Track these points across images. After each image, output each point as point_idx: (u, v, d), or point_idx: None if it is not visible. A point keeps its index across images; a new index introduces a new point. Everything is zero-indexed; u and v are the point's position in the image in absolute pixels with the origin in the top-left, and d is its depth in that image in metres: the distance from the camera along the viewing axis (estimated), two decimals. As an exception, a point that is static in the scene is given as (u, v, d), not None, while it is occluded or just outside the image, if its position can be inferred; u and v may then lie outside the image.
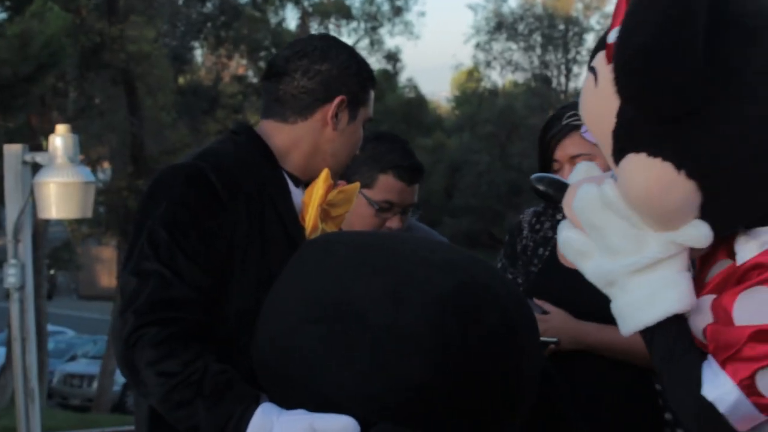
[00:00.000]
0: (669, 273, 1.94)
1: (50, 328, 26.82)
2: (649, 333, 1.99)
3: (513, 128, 47.89)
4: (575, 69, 52.91)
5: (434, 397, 2.17)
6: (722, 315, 1.88)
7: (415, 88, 56.00)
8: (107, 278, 40.16)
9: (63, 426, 17.09)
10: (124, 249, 11.34)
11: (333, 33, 28.38)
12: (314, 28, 44.22)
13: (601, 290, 2.08)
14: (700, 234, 1.91)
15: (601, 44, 2.04)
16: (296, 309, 2.32)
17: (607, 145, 2.01)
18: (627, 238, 1.96)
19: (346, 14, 46.62)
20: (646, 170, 1.92)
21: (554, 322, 3.13)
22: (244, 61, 37.54)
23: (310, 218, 2.57)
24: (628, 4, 1.86)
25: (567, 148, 3.17)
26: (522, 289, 3.46)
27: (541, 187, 2.25)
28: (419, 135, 47.74)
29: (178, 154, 22.89)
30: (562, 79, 51.71)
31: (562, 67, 53.49)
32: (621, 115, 1.95)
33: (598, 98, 2.01)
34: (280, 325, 2.33)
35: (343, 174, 2.99)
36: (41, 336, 23.28)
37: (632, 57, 1.81)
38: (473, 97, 56.00)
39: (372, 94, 2.89)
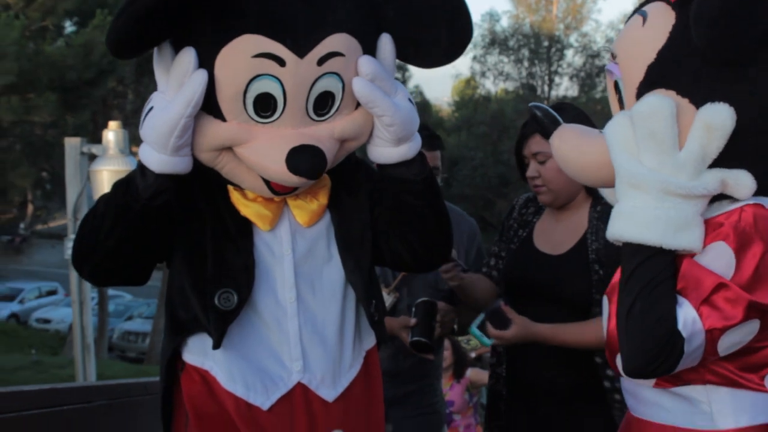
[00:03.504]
0: (697, 210, 1.79)
1: (110, 292, 26.92)
2: (648, 252, 1.81)
3: (503, 129, 47.87)
4: (557, 79, 53.26)
5: None
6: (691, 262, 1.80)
7: (420, 93, 56.08)
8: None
9: (120, 375, 17.10)
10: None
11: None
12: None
13: (615, 183, 1.90)
14: (749, 182, 1.81)
15: None
16: None
17: (635, 77, 1.91)
18: (692, 161, 1.78)
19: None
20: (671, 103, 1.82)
21: (510, 337, 3.05)
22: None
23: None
24: None
25: (530, 146, 3.18)
26: (503, 262, 3.48)
27: (538, 113, 2.18)
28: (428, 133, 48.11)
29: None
30: (546, 88, 51.89)
31: (546, 77, 53.68)
32: (662, 53, 1.86)
33: (642, 35, 1.91)
34: None
35: None
36: (103, 299, 23.44)
37: (718, 8, 1.71)
38: (470, 102, 56.10)
39: None
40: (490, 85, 57.34)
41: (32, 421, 2.31)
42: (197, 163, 2.10)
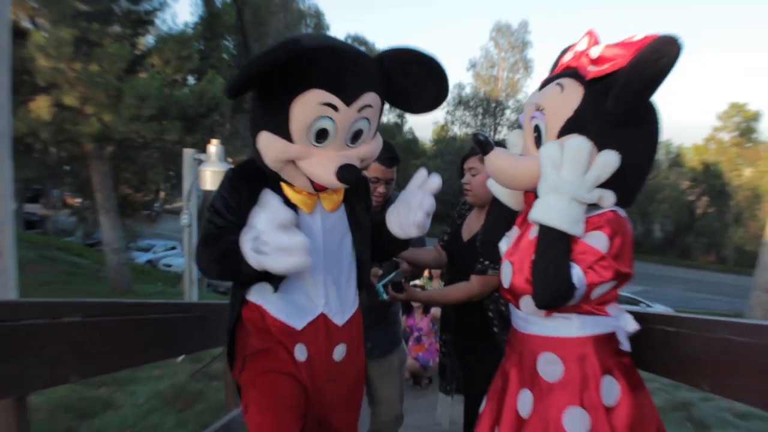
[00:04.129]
0: (583, 211, 1.88)
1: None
2: (557, 235, 1.87)
3: (462, 158, 48.05)
4: (499, 129, 53.32)
5: None
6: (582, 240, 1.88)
7: (412, 133, 56.74)
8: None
9: (207, 298, 17.08)
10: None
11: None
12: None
13: (539, 186, 1.93)
14: (611, 198, 1.90)
15: (569, 71, 1.99)
16: None
17: (557, 125, 1.95)
18: (590, 182, 1.86)
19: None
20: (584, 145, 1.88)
21: (400, 299, 3.06)
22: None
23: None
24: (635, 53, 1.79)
25: (468, 163, 3.12)
26: (447, 238, 3.42)
27: (481, 137, 2.08)
28: (413, 159, 48.00)
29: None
30: (492, 134, 51.78)
31: (492, 126, 53.75)
32: (578, 111, 1.91)
33: (563, 99, 1.95)
34: None
35: None
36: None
37: (635, 93, 1.81)
38: (443, 140, 56.02)
39: None
40: (457, 130, 57.39)
41: (153, 322, 2.39)
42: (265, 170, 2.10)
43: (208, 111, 16.45)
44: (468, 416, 3.11)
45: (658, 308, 29.40)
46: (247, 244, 1.86)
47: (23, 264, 19.01)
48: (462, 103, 55.64)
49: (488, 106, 54.11)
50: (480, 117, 54.97)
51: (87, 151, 16.67)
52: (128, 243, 26.18)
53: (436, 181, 2.28)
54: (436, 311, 8.88)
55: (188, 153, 7.40)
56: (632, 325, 1.98)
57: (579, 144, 1.86)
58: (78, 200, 31.66)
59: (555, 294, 1.86)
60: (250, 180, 2.12)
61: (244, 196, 2.08)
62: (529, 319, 2.04)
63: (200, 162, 7.36)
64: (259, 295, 2.21)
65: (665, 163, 61.99)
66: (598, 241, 1.86)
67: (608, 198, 1.89)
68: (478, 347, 3.10)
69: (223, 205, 2.10)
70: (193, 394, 5.36)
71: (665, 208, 57.88)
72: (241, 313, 2.23)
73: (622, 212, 1.92)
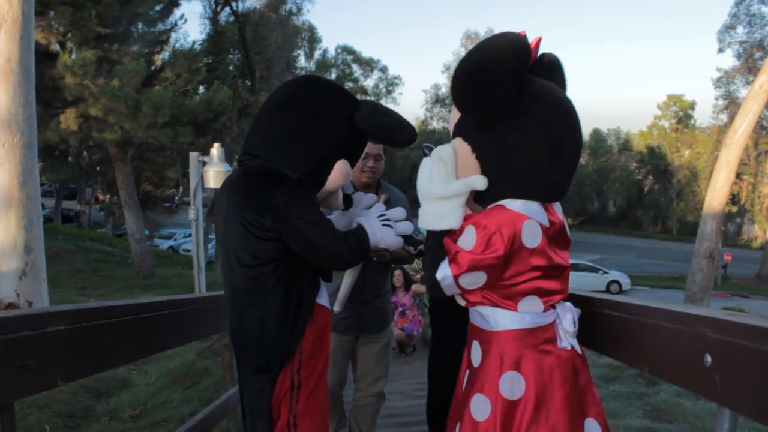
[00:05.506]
0: (455, 204, 1.76)
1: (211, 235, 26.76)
2: (431, 233, 1.82)
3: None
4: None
5: None
6: (454, 236, 1.76)
7: (397, 129, 57.17)
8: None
9: (221, 280, 17.04)
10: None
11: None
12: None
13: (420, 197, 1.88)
14: (481, 181, 1.74)
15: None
16: None
17: (451, 132, 1.91)
18: (441, 178, 1.77)
19: (364, 92, 46.62)
20: (458, 145, 1.81)
21: None
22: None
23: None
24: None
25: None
26: None
27: (426, 152, 1.97)
28: (398, 150, 47.99)
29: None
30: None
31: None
32: (458, 121, 1.85)
33: (455, 114, 1.88)
34: None
35: None
36: (206, 240, 23.35)
37: (462, 86, 1.73)
38: (423, 133, 56.22)
39: None
40: (435, 124, 57.45)
41: (147, 320, 2.26)
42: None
43: (216, 116, 16.38)
44: (430, 371, 2.86)
45: (614, 274, 29.53)
46: (374, 221, 2.05)
47: (61, 254, 19.08)
48: (439, 101, 55.94)
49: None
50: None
51: (111, 155, 16.66)
52: (151, 233, 26.20)
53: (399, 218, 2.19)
54: (416, 287, 8.89)
55: (194, 156, 7.29)
56: (569, 325, 1.79)
57: (439, 150, 1.82)
58: (107, 197, 31.62)
59: (428, 284, 1.80)
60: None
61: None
62: (471, 310, 1.92)
63: (204, 163, 7.22)
64: (321, 297, 2.04)
65: (616, 147, 62.49)
66: (467, 234, 1.73)
67: (475, 183, 1.76)
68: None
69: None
70: (200, 371, 5.26)
71: (617, 186, 58.51)
72: (305, 331, 1.95)
73: (512, 204, 1.74)
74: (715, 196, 13.73)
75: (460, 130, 1.85)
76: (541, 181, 1.77)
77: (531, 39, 1.82)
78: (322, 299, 2.03)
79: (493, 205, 1.76)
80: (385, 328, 3.35)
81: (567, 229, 1.91)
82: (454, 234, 1.77)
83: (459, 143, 1.83)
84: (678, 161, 53.64)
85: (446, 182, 1.78)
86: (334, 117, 1.96)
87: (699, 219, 14.54)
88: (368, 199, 2.24)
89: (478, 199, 1.83)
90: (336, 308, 2.69)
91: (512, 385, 1.74)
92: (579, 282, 26.55)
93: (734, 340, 1.31)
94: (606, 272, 29.48)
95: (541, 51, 1.91)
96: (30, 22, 7.98)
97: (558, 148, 1.77)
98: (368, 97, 49.30)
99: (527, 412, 1.71)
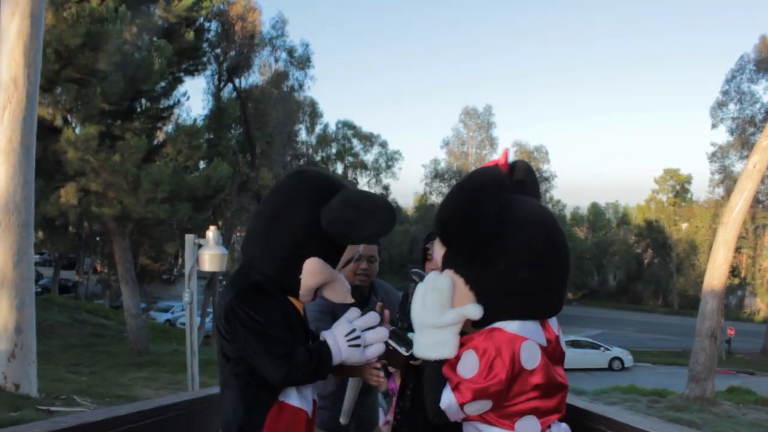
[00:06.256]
0: (451, 333, 1.77)
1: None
2: (428, 362, 1.83)
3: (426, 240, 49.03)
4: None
5: None
6: (453, 362, 1.76)
7: (396, 202, 57.23)
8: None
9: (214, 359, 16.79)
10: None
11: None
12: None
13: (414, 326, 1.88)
14: (476, 310, 1.74)
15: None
16: None
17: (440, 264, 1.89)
18: (436, 307, 1.78)
19: (364, 167, 47.31)
20: (452, 277, 1.81)
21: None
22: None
23: None
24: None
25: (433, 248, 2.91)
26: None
27: (416, 278, 2.04)
28: (398, 225, 48.22)
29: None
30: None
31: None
32: (444, 256, 1.85)
33: (440, 249, 1.86)
34: None
35: None
36: (203, 318, 23.22)
37: (447, 228, 1.79)
38: (422, 207, 56.75)
39: None
40: (435, 199, 57.98)
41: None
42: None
43: (215, 192, 16.58)
44: None
45: (616, 351, 29.16)
46: (340, 340, 1.89)
47: (56, 327, 18.92)
48: (438, 176, 56.34)
49: (460, 178, 55.06)
50: (453, 187, 56.34)
51: (110, 229, 16.76)
52: (148, 305, 26.05)
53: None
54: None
55: (189, 238, 7.29)
56: None
57: (435, 279, 1.83)
58: (105, 269, 31.64)
59: (432, 413, 1.80)
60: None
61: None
62: (466, 426, 1.88)
63: (200, 246, 7.21)
64: (300, 398, 1.95)
65: (614, 221, 62.83)
66: (467, 359, 1.74)
67: (469, 312, 1.76)
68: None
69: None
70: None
71: (617, 260, 58.50)
72: (261, 429, 1.88)
73: (509, 326, 1.74)
74: (715, 274, 13.72)
75: (450, 263, 1.85)
76: (534, 301, 1.79)
77: (500, 155, 1.95)
78: (292, 399, 1.93)
79: (489, 327, 1.76)
80: (375, 426, 3.27)
81: (562, 342, 1.90)
82: (452, 361, 1.77)
83: (451, 274, 1.82)
84: (676, 235, 53.90)
85: (441, 311, 1.78)
86: (301, 213, 1.87)
87: (699, 292, 14.53)
88: (351, 314, 2.07)
89: (475, 324, 1.81)
90: (342, 420, 2.60)
91: None
92: (580, 359, 26.16)
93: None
94: (608, 349, 29.12)
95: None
96: (34, 103, 8.17)
97: (546, 267, 1.79)
98: (368, 172, 50.07)
99: None
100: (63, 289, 33.99)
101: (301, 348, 1.86)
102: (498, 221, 1.77)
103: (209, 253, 6.99)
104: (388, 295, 3.16)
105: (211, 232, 7.12)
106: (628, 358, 28.90)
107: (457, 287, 1.80)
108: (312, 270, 1.89)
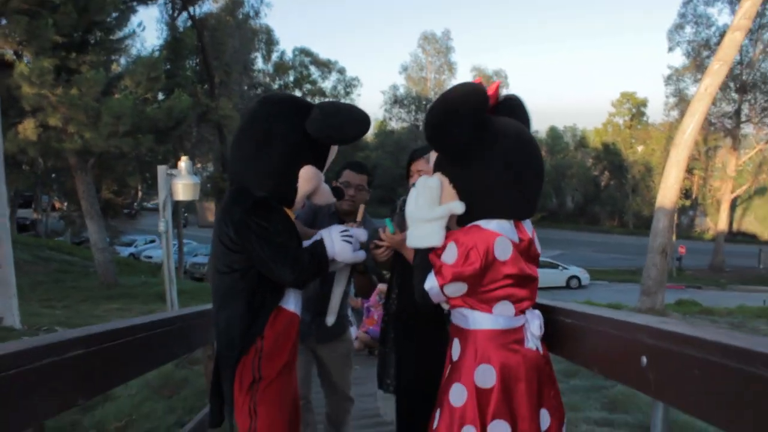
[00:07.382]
0: (438, 226, 1.99)
1: (185, 240, 26.52)
2: (418, 250, 2.06)
3: (400, 149, 47.97)
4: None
5: None
6: (438, 252, 1.97)
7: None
8: (210, 216, 39.60)
9: (189, 288, 16.92)
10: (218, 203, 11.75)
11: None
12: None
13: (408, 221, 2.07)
14: (459, 206, 1.97)
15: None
16: None
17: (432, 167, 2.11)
18: (427, 203, 2.00)
19: (322, 94, 46.54)
20: (440, 178, 2.03)
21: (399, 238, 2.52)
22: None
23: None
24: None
25: (417, 165, 2.81)
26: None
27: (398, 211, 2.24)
28: (358, 151, 48.00)
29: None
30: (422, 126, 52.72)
31: (423, 121, 54.36)
32: (436, 159, 2.09)
33: (433, 153, 2.13)
34: None
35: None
36: (181, 245, 23.22)
37: (432, 132, 1.98)
38: (383, 133, 56.27)
39: None
40: (394, 125, 57.36)
41: (143, 339, 2.39)
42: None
43: (177, 123, 16.36)
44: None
45: (573, 269, 29.99)
46: (335, 234, 2.26)
47: (20, 265, 18.63)
48: (397, 102, 55.84)
49: (419, 104, 54.21)
50: (413, 113, 55.23)
51: (71, 165, 16.48)
52: (113, 240, 25.88)
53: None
54: (381, 286, 8.97)
55: (162, 169, 7.31)
56: (536, 329, 2.03)
57: (426, 179, 2.05)
58: (65, 205, 31.09)
59: (418, 294, 2.04)
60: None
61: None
62: (453, 311, 2.13)
63: (173, 176, 7.30)
64: (296, 304, 2.25)
65: (572, 144, 63.35)
66: (449, 249, 1.94)
67: (455, 208, 1.99)
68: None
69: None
70: (178, 381, 5.38)
71: (575, 182, 59.20)
72: (262, 332, 2.13)
73: (486, 224, 1.97)
74: (667, 194, 14.25)
75: (438, 166, 2.08)
76: (508, 203, 2.01)
77: (492, 84, 2.12)
78: (290, 305, 2.22)
79: (470, 224, 1.99)
80: (343, 334, 3.45)
81: (537, 244, 2.14)
82: (437, 250, 1.98)
83: (439, 176, 2.05)
84: (632, 157, 54.57)
85: (430, 207, 2.01)
86: (287, 132, 2.15)
87: (653, 215, 15.04)
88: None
89: (459, 221, 2.04)
90: (328, 321, 2.71)
91: (485, 375, 1.97)
92: (539, 278, 26.70)
93: (665, 345, 1.59)
94: (566, 268, 29.94)
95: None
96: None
97: (519, 174, 2.01)
98: (326, 99, 49.27)
99: (496, 399, 1.94)
100: (21, 228, 33.35)
101: (303, 250, 2.19)
102: (477, 129, 1.96)
103: (182, 183, 7.08)
104: (365, 223, 3.40)
105: (184, 162, 7.19)
106: (585, 277, 29.82)
107: (444, 186, 2.03)
108: (307, 177, 2.19)
